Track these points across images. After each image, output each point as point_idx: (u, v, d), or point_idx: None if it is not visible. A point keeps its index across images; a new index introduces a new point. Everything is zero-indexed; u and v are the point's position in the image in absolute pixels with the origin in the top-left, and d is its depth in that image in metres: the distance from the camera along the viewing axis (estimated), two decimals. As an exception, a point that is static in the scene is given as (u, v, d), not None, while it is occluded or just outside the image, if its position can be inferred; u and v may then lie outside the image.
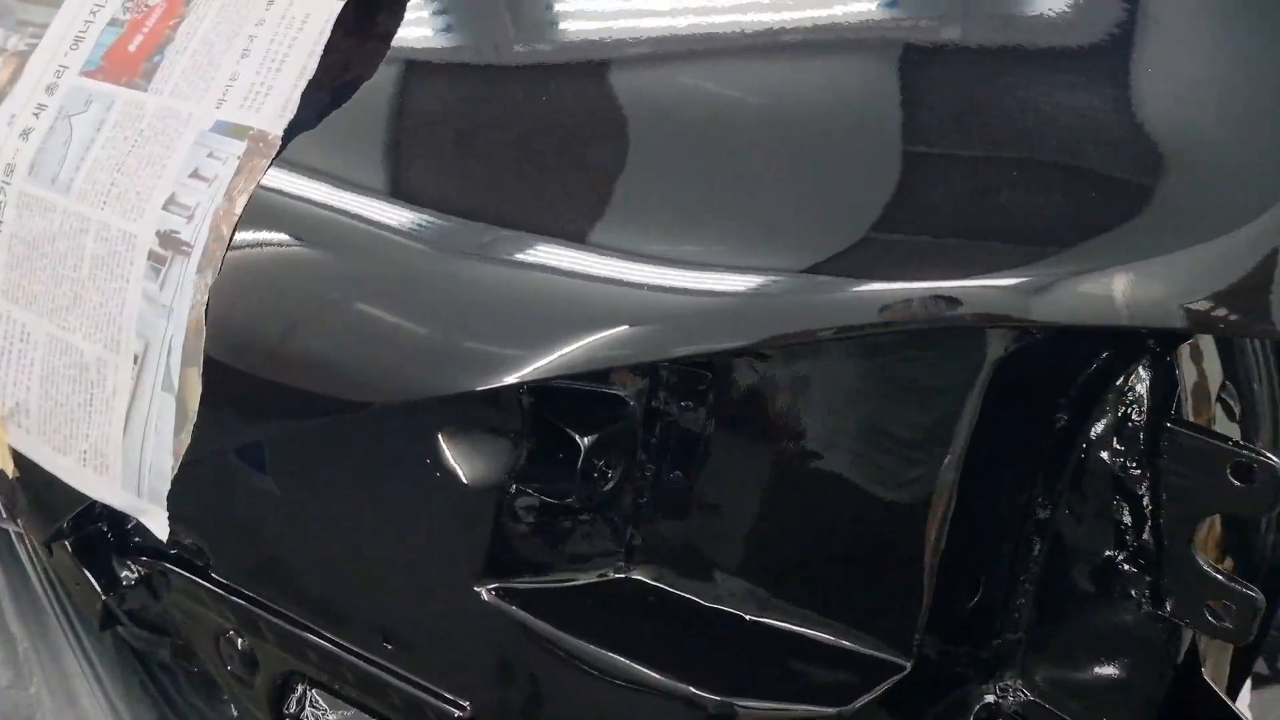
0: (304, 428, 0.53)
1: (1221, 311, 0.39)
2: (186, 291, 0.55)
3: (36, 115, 0.65)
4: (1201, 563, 0.44)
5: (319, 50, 0.54)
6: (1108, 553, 0.48)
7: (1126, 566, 0.48)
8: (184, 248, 0.55)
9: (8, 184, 0.65)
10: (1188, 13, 0.44)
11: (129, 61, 0.62)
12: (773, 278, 0.43)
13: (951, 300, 0.40)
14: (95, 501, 0.61)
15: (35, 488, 0.65)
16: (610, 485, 0.49)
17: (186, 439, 0.55)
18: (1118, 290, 0.39)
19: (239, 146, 0.55)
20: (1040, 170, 0.42)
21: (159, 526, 0.57)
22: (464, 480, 0.49)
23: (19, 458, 0.65)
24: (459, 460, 0.49)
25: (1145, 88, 0.42)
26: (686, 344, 0.43)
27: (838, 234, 0.43)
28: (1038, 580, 0.50)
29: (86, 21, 0.66)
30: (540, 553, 0.50)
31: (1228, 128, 0.42)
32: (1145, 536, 0.47)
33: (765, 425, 0.47)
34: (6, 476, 0.67)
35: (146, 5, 0.64)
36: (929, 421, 0.46)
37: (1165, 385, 0.45)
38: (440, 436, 0.49)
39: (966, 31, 0.45)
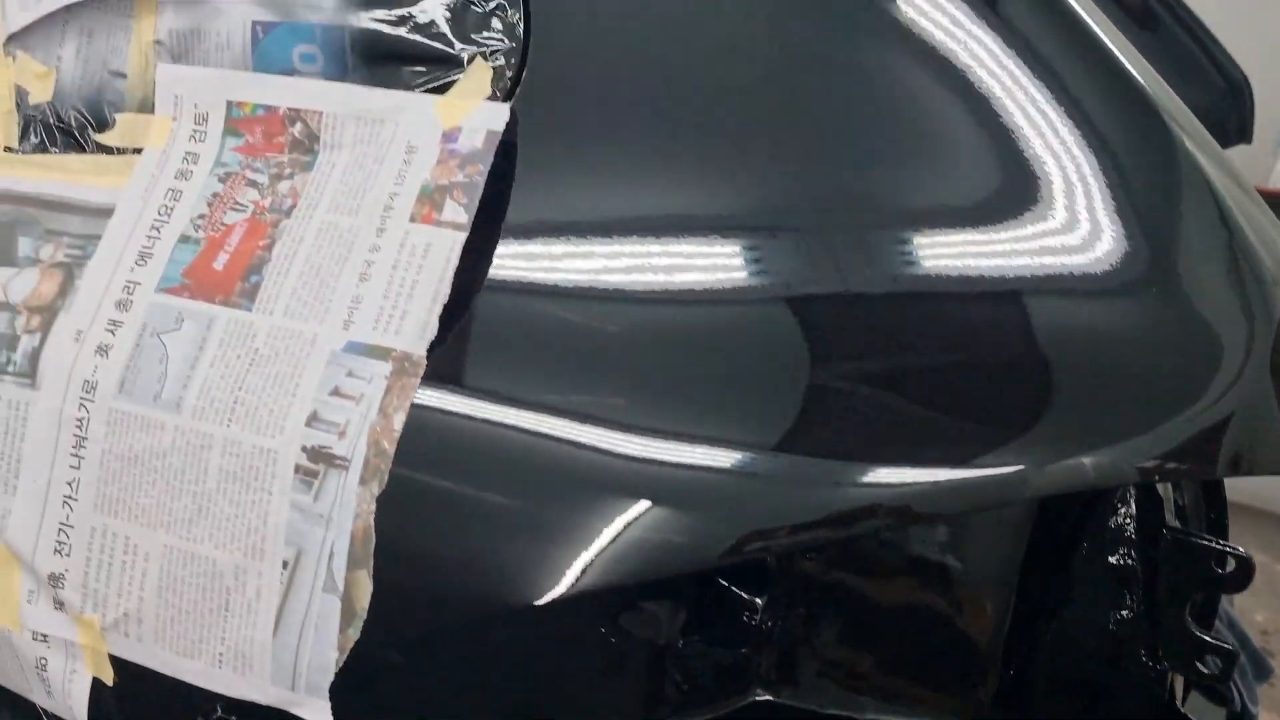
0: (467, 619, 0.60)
1: (1163, 465, 0.56)
2: (349, 502, 0.60)
3: (112, 332, 0.67)
4: (1193, 629, 0.60)
5: (449, 275, 0.61)
6: (1113, 624, 0.64)
7: (1129, 632, 0.64)
8: (338, 461, 0.60)
9: (89, 401, 0.66)
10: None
11: (220, 281, 0.66)
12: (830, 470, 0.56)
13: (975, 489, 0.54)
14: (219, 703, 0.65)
15: (141, 693, 0.67)
16: (758, 624, 0.59)
17: (355, 634, 0.60)
18: (1089, 463, 0.54)
19: (383, 367, 0.61)
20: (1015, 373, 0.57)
21: (319, 716, 0.62)
22: (636, 637, 0.57)
23: (120, 665, 0.67)
24: (631, 625, 0.58)
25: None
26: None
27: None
28: (1052, 652, 0.66)
29: (150, 237, 0.68)
30: (697, 688, 0.59)
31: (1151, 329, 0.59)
32: (1142, 610, 0.63)
33: (871, 566, 0.60)
34: (104, 684, 0.68)
35: (223, 224, 0.68)
36: (994, 553, 0.60)
37: (1151, 501, 0.62)
38: (612, 608, 0.58)
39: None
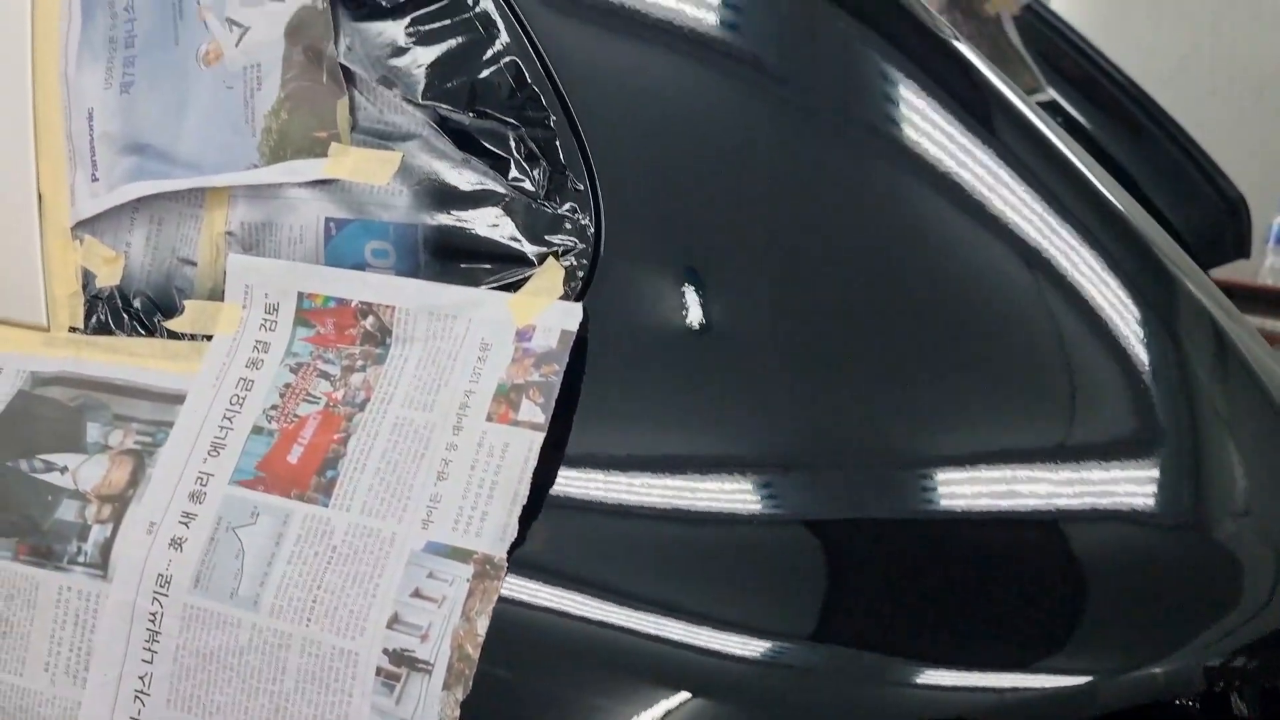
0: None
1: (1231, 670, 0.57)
2: (432, 706, 0.60)
3: (186, 524, 0.68)
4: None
5: (528, 476, 0.62)
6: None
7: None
8: (421, 665, 0.61)
9: (163, 595, 0.67)
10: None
11: (295, 475, 0.67)
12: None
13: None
14: None
15: None
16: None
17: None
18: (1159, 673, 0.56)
19: (465, 569, 0.61)
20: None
21: None
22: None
23: None
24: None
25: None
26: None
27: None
28: None
29: (223, 428, 0.69)
30: None
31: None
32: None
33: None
34: None
35: (296, 416, 0.69)
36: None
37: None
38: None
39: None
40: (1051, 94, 1.52)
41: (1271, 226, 2.48)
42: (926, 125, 0.66)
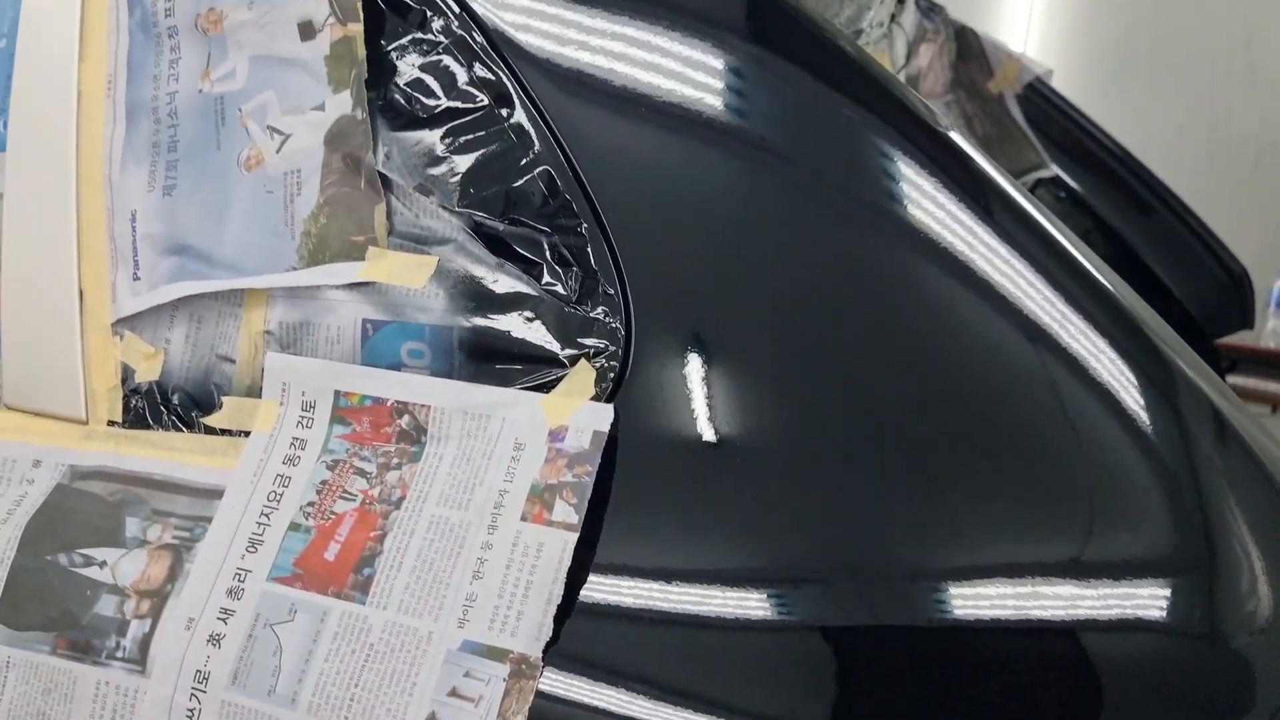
0: None
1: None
2: (469, 805, 0.61)
3: (224, 620, 0.69)
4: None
5: (562, 577, 0.64)
6: None
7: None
8: (458, 764, 0.62)
9: (202, 691, 0.68)
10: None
11: (332, 572, 0.68)
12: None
13: None
14: None
15: None
16: None
17: None
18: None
19: (501, 669, 0.63)
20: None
21: None
22: None
23: None
24: None
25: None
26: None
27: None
28: None
29: (260, 524, 0.71)
30: None
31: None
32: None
33: None
34: None
35: (332, 513, 0.70)
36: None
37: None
38: None
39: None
40: (1055, 170, 1.56)
41: (1272, 291, 2.51)
42: (958, 231, 0.68)
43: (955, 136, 0.76)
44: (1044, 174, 1.53)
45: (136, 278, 0.78)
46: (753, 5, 0.78)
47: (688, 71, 0.72)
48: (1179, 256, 1.55)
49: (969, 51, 1.56)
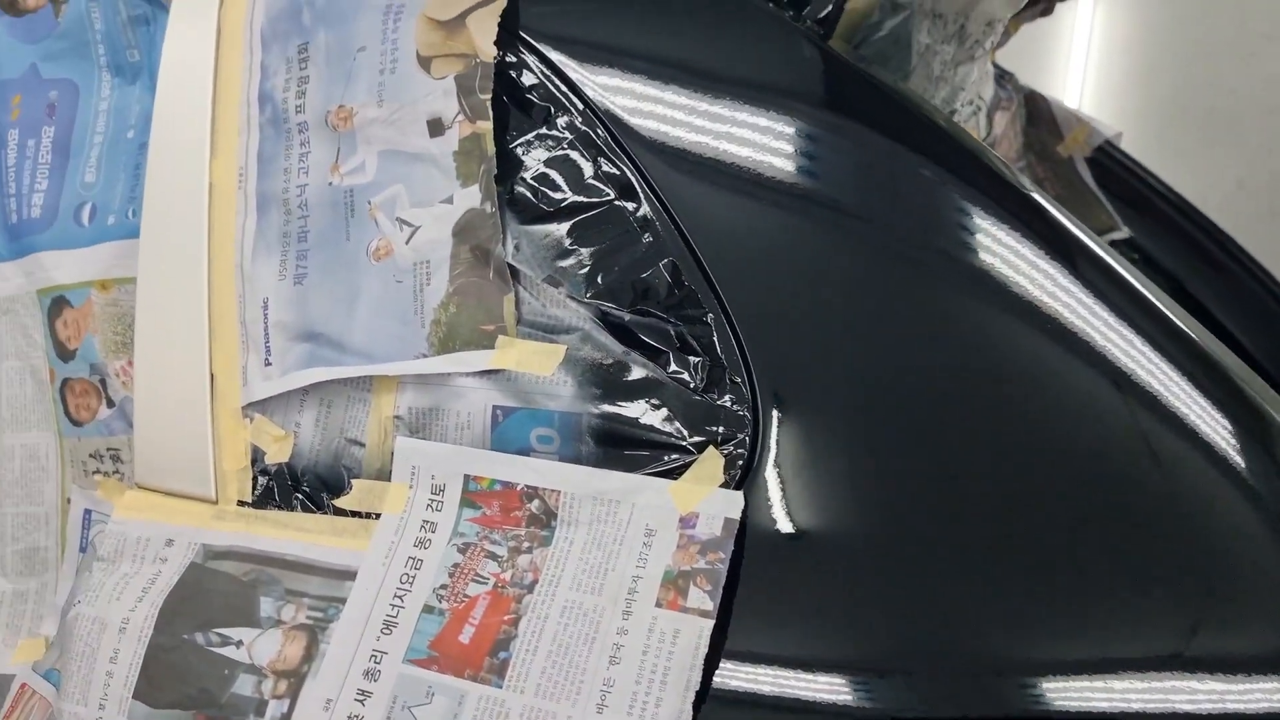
0: None
1: None
2: None
3: (362, 702, 0.70)
4: None
5: (699, 663, 0.65)
6: None
7: None
8: None
9: (343, 773, 0.69)
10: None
11: (468, 655, 0.69)
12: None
13: None
14: None
15: None
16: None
17: None
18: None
19: (642, 754, 0.64)
20: None
21: None
22: None
23: None
24: None
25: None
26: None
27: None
28: None
29: (394, 605, 0.73)
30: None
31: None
32: None
33: None
34: None
35: (465, 595, 0.72)
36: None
37: None
38: None
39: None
40: (1127, 231, 1.56)
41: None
42: (1090, 322, 0.69)
43: (1064, 216, 0.77)
44: (1117, 236, 1.53)
45: (268, 363, 0.80)
46: (864, 89, 0.80)
47: (804, 156, 0.74)
48: (1253, 315, 1.54)
49: (1038, 116, 1.57)
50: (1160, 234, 1.55)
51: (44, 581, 0.98)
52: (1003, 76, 1.46)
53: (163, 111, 0.87)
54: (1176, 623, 0.64)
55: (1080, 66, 2.94)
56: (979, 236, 0.73)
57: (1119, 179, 1.57)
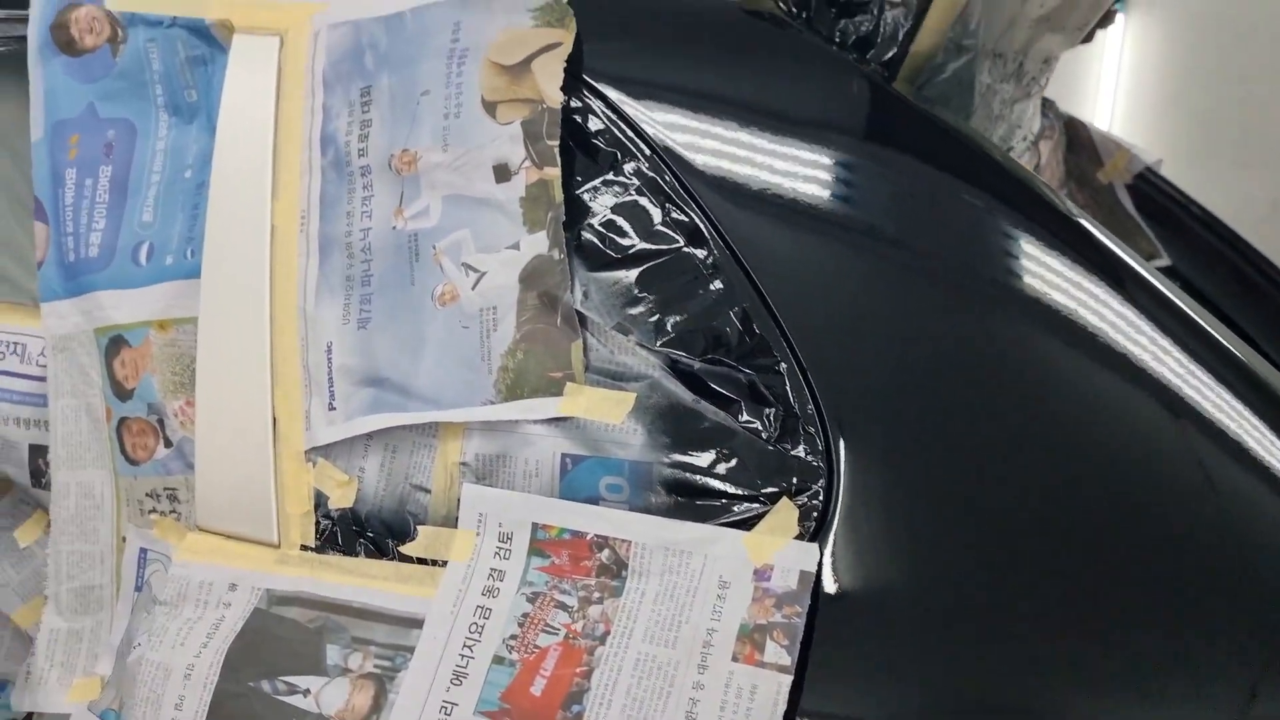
0: None
1: None
2: None
3: (435, 755, 0.70)
4: None
5: (779, 718, 0.64)
6: None
7: None
8: None
9: (414, 828, 0.68)
10: None
11: (540, 708, 0.68)
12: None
13: None
14: None
15: None
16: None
17: None
18: None
19: (720, 813, 0.63)
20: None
21: None
22: None
23: None
24: None
25: None
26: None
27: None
28: None
29: (463, 655, 0.72)
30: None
31: None
32: None
33: None
34: None
35: (535, 646, 0.71)
36: None
37: None
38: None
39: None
40: (1168, 259, 1.54)
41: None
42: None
43: (1130, 256, 0.76)
44: (1159, 263, 1.52)
45: (332, 407, 0.80)
46: (931, 131, 0.79)
47: (872, 200, 0.74)
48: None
49: (1078, 143, 1.56)
50: (1202, 262, 1.54)
51: (99, 620, 0.97)
52: (1044, 104, 1.45)
53: (223, 153, 0.87)
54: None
55: (1111, 89, 2.93)
56: (1056, 281, 0.72)
57: (1160, 206, 1.56)
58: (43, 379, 0.99)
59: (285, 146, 0.85)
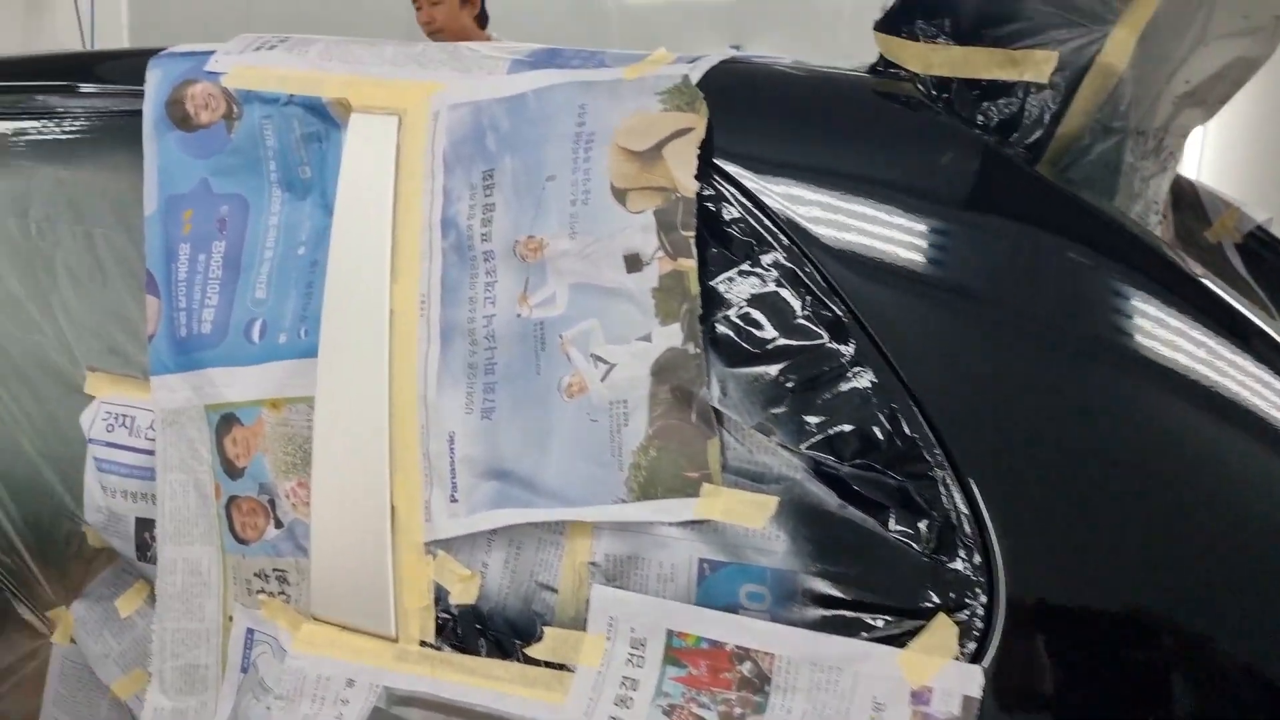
0: None
1: None
2: None
3: None
4: None
5: None
6: None
7: None
8: None
9: None
10: None
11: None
12: None
13: None
14: None
15: None
16: None
17: None
18: None
19: None
20: None
21: None
22: None
23: None
24: None
25: None
26: None
27: None
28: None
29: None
30: None
31: None
32: None
33: None
34: None
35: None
36: None
37: None
38: None
39: None
40: (1282, 321, 1.48)
41: None
42: None
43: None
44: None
45: (454, 499, 0.77)
46: (1079, 214, 0.75)
47: (1026, 289, 0.69)
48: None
49: (1183, 200, 1.50)
50: (1318, 324, 1.46)
51: (203, 700, 0.95)
52: (1152, 163, 1.39)
53: (341, 233, 0.85)
54: None
55: (1198, 138, 2.86)
56: (1228, 371, 0.67)
57: (1271, 266, 1.49)
58: (151, 452, 0.98)
59: (404, 228, 0.83)
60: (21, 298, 1.05)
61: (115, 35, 4.27)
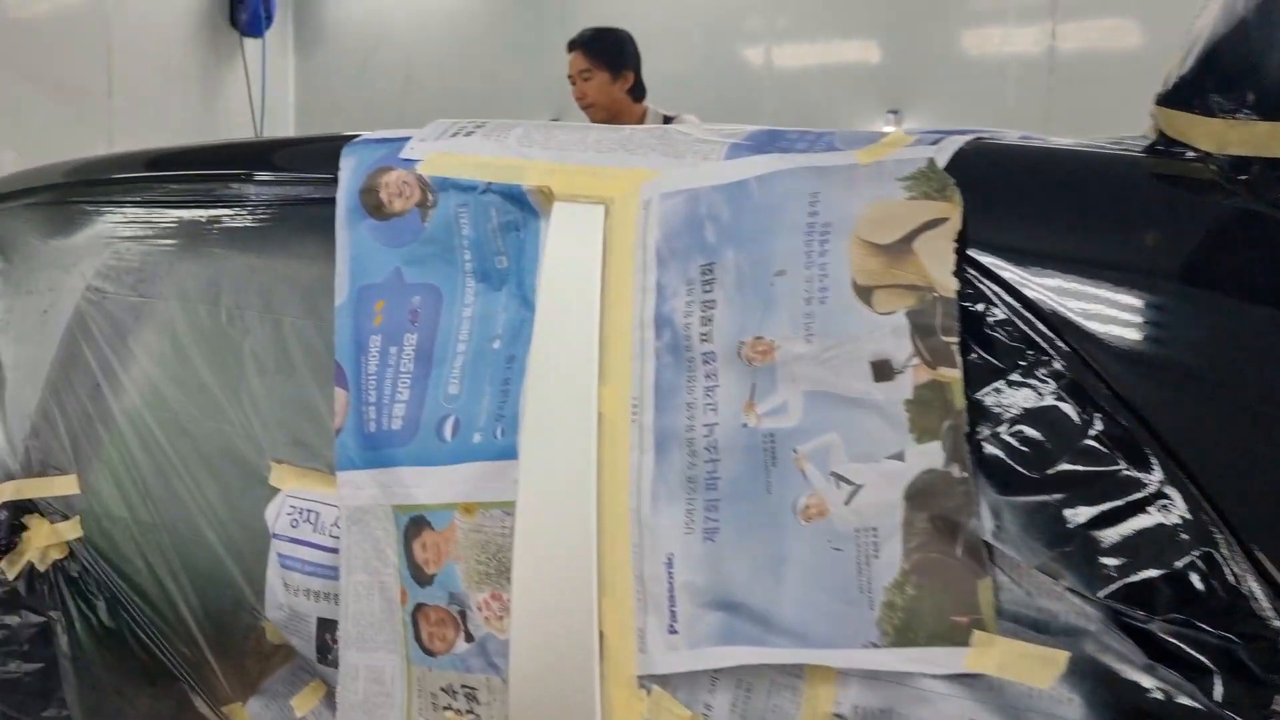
0: None
1: None
2: None
3: None
4: None
5: None
6: None
7: None
8: None
9: None
10: None
11: None
12: None
13: None
14: None
15: None
16: None
17: None
18: None
19: None
20: None
21: None
22: None
23: None
24: None
25: None
26: None
27: None
28: None
29: None
30: None
31: None
32: None
33: None
34: None
35: None
36: None
37: None
38: None
39: None
40: None
41: None
42: None
43: None
44: None
45: (673, 630, 0.69)
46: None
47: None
48: None
49: None
50: None
51: (385, 818, 0.89)
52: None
53: (544, 329, 0.79)
54: None
55: None
56: None
57: None
58: (335, 550, 0.93)
59: (613, 326, 0.76)
60: (211, 385, 1.02)
61: (283, 116, 4.45)
